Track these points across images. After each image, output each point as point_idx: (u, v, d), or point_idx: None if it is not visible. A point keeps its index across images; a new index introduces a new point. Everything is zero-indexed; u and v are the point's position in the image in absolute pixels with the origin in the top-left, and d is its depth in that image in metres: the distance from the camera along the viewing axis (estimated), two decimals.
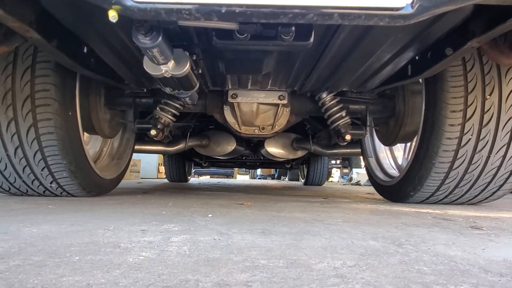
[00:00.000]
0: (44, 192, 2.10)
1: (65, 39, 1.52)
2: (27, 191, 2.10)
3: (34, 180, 2.00)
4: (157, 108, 2.40)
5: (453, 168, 1.99)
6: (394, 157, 3.08)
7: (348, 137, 2.40)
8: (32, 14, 1.30)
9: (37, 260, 0.73)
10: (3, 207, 1.61)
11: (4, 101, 1.80)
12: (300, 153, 3.67)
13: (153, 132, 2.37)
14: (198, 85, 1.79)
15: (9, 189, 2.09)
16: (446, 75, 1.89)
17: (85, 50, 1.72)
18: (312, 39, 1.29)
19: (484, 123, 1.89)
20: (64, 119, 1.90)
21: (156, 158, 9.70)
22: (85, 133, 2.34)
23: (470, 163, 1.97)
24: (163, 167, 7.13)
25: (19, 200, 1.94)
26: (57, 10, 1.38)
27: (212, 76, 2.12)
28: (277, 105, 2.45)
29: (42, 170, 1.94)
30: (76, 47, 1.65)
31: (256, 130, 2.61)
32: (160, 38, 1.24)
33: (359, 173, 8.55)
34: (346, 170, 11.62)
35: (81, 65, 1.70)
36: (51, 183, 2.02)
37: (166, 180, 6.88)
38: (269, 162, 6.43)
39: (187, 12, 0.99)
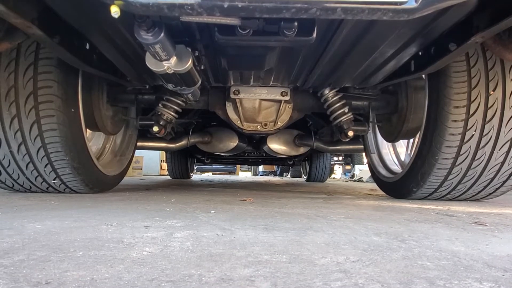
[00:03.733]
0: (47, 188, 2.11)
1: (67, 35, 1.52)
2: (30, 187, 2.11)
3: (37, 176, 2.01)
4: (160, 105, 2.40)
5: (456, 164, 1.98)
6: (396, 153, 3.07)
7: (350, 133, 2.39)
8: (34, 10, 1.29)
9: (41, 255, 0.73)
10: (7, 203, 1.62)
11: (7, 98, 1.81)
12: (302, 150, 3.66)
13: (155, 128, 2.37)
14: (200, 82, 1.78)
15: (13, 185, 2.10)
16: (449, 70, 1.88)
17: (87, 47, 1.72)
18: (315, 35, 1.28)
19: (487, 119, 1.88)
20: (67, 116, 1.91)
21: (158, 155, 9.73)
22: (87, 129, 2.34)
23: (473, 159, 1.97)
24: (166, 164, 7.15)
25: (22, 196, 1.95)
26: (59, 6, 1.38)
27: (214, 72, 2.11)
28: (279, 101, 2.45)
29: (45, 166, 1.95)
30: (79, 44, 1.65)
31: (258, 127, 2.61)
32: (162, 34, 1.23)
33: (362, 170, 8.55)
34: (348, 167, 11.62)
35: (84, 62, 1.70)
36: (54, 179, 2.03)
37: (168, 177, 6.90)
38: (271, 159, 6.44)
39: (189, 7, 0.99)
